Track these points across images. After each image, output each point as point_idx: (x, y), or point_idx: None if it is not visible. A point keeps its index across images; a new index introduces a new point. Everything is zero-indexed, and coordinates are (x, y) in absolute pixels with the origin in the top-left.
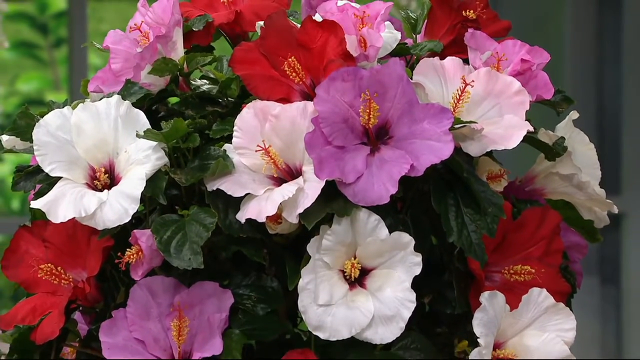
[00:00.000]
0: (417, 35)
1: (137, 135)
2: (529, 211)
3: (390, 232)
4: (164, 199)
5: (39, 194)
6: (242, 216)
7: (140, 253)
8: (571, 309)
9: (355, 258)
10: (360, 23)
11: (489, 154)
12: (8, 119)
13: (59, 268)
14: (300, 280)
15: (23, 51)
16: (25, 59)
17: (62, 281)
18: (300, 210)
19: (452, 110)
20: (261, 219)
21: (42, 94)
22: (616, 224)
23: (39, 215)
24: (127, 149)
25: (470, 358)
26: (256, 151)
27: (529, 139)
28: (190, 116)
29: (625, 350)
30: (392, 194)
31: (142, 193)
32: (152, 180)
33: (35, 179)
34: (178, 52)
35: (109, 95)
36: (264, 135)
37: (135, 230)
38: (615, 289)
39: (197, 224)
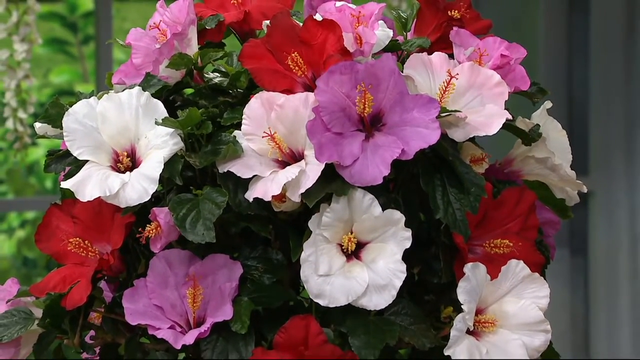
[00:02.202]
0: (407, 33)
1: (156, 123)
2: (507, 191)
3: (383, 209)
4: (180, 180)
5: (69, 175)
6: (250, 195)
7: (158, 228)
8: (545, 279)
9: (351, 233)
10: (356, 22)
11: (472, 139)
12: (42, 108)
13: (86, 242)
14: (303, 253)
15: (55, 47)
16: (57, 54)
17: (89, 253)
18: (303, 190)
19: (439, 100)
20: (267, 198)
21: (72, 85)
22: (584, 201)
23: (68, 194)
24: (147, 135)
25: (454, 322)
26: (263, 137)
27: (508, 126)
28: (203, 106)
29: (592, 314)
30: (385, 175)
31: (160, 174)
32: (170, 163)
33: (65, 162)
34: (193, 48)
35: (131, 87)
36: (270, 122)
37: (154, 208)
38: (583, 259)
39: (209, 202)
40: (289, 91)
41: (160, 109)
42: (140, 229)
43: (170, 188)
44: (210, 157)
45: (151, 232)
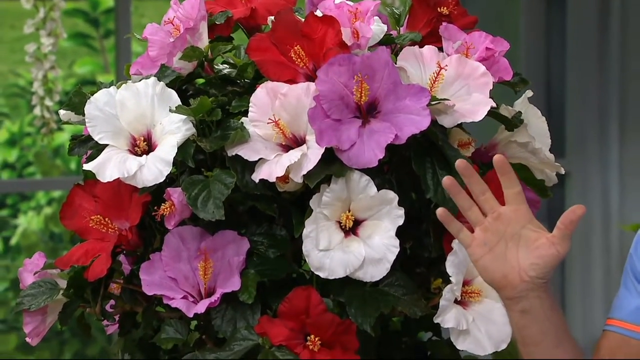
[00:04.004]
0: (400, 28)
1: (170, 110)
2: (492, 172)
3: (378, 190)
4: (192, 162)
5: (90, 158)
6: (256, 177)
7: (172, 207)
8: None
9: (349, 211)
10: (354, 18)
11: (460, 125)
12: (66, 96)
13: (106, 219)
14: (304, 229)
15: (79, 41)
16: (81, 47)
17: (109, 229)
18: (304, 172)
19: (429, 89)
20: (272, 179)
21: (94, 76)
22: (562, 182)
23: (90, 176)
24: (162, 121)
25: (443, 293)
26: (268, 123)
27: (492, 113)
28: (213, 94)
29: (567, 283)
30: (379, 158)
31: (174, 158)
32: (182, 147)
33: (87, 146)
34: (204, 41)
35: (147, 77)
36: (274, 110)
37: (168, 188)
38: None
39: (219, 183)
40: (292, 81)
41: (174, 98)
42: (155, 208)
43: (183, 170)
44: (219, 141)
45: (166, 210)
